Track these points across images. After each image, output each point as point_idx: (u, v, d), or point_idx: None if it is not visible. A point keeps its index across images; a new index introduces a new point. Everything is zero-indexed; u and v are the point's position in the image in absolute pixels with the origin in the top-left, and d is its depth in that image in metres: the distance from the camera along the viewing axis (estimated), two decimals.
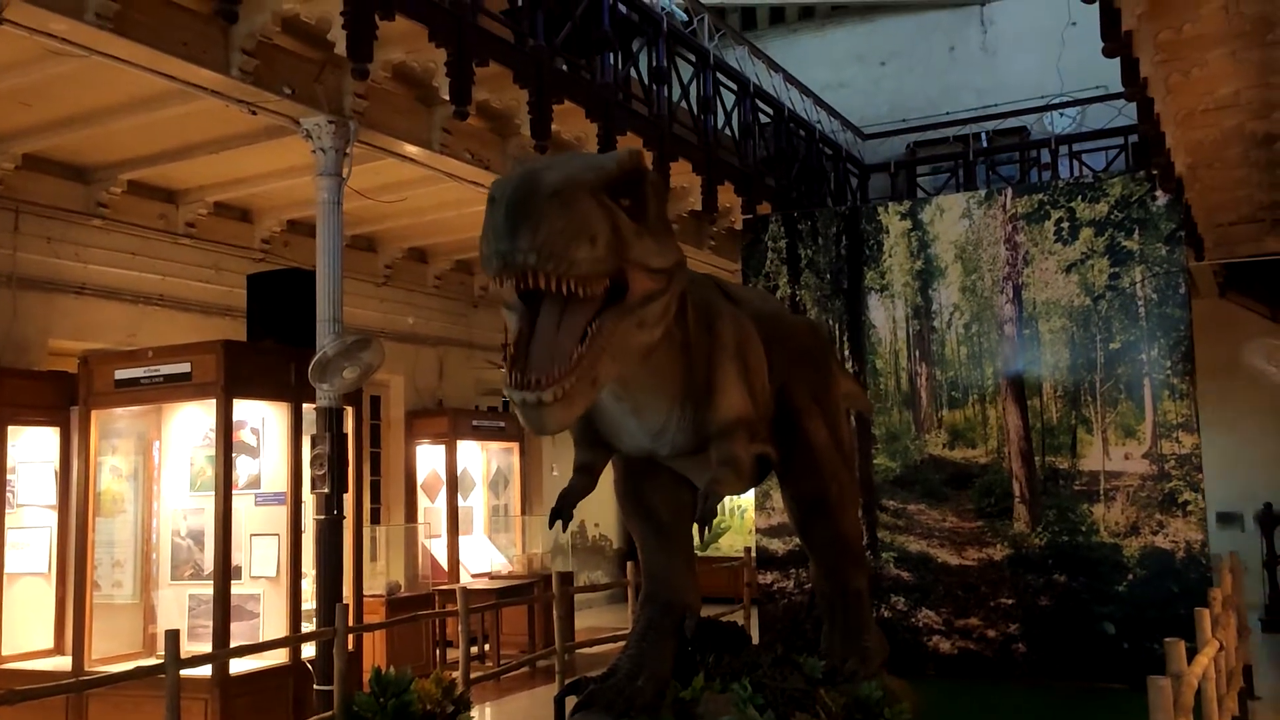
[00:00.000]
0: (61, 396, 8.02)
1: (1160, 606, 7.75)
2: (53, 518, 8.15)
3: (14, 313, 8.76)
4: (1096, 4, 5.86)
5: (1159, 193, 8.29)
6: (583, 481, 3.91)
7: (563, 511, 3.77)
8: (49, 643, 8.07)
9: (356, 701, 4.39)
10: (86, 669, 7.36)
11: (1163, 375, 8.19)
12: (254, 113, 7.27)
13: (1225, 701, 5.42)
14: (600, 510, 15.01)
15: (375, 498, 12.36)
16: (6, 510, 7.99)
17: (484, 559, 12.37)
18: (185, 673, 6.09)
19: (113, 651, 7.73)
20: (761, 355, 4.08)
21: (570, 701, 4.21)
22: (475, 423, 12.73)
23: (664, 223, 3.09)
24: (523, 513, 13.29)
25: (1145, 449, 8.21)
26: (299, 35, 7.26)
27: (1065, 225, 8.69)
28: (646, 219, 2.88)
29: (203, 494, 7.63)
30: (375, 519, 12.17)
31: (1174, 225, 8.34)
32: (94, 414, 7.72)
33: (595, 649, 9.27)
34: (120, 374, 7.58)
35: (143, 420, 8.01)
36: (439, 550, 12.03)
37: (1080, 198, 8.67)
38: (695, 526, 4.53)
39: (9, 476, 8.04)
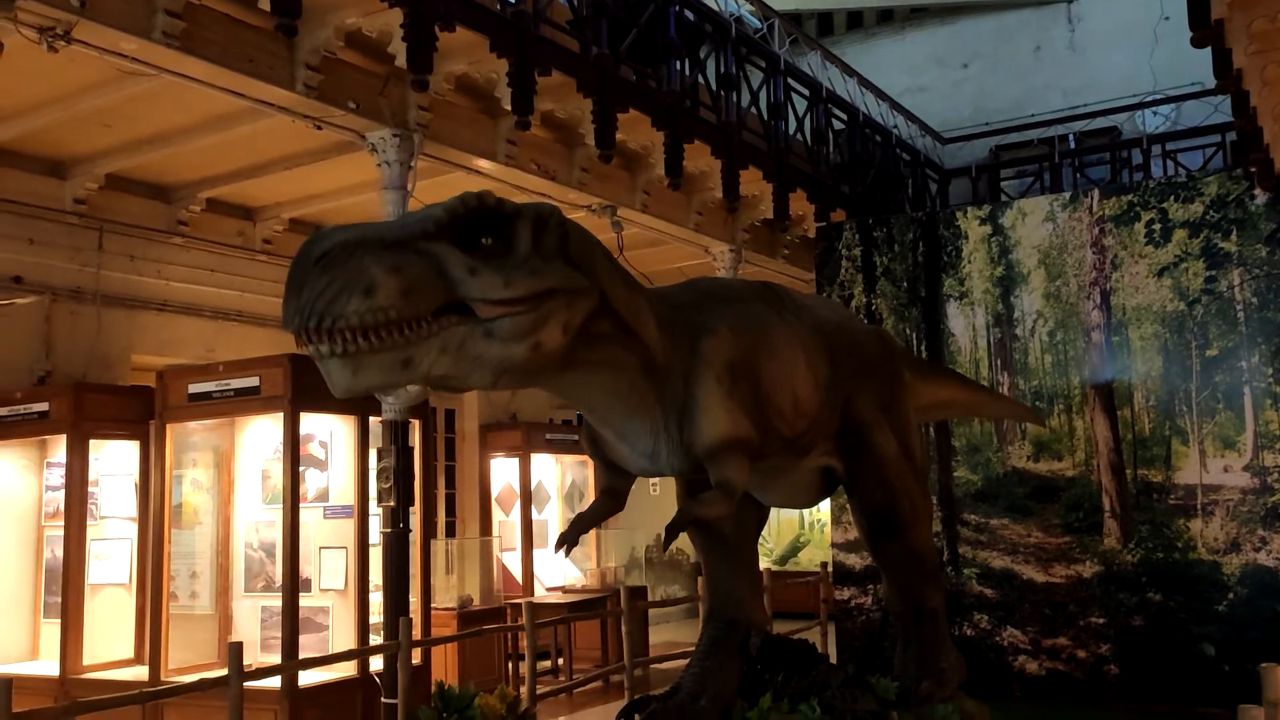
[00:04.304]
0: (141, 410, 8.17)
1: (1263, 627, 7.32)
2: (133, 529, 8.31)
3: (98, 329, 9.00)
4: None
5: (1258, 191, 7.87)
6: (605, 504, 3.90)
7: (569, 537, 3.70)
8: (129, 653, 8.21)
9: (419, 717, 4.31)
10: (163, 679, 7.46)
11: (1264, 383, 7.76)
12: (319, 127, 7.32)
13: None
14: None
15: (450, 511, 12.40)
16: (89, 522, 8.17)
17: (558, 572, 12.31)
18: (256, 684, 6.14)
19: (189, 661, 7.82)
20: (790, 368, 3.89)
21: None
22: (549, 436, 12.70)
23: (553, 251, 3.01)
24: (598, 526, 13.18)
25: (1246, 461, 7.79)
26: (362, 49, 7.29)
27: (1157, 227, 8.30)
28: (514, 251, 2.92)
29: (274, 506, 7.69)
30: (450, 532, 12.20)
31: (1274, 225, 7.90)
32: (169, 428, 7.84)
33: (669, 664, 9.13)
34: (193, 388, 7.69)
35: (217, 433, 8.12)
36: (513, 563, 12.00)
37: (1173, 198, 8.27)
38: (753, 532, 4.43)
39: (92, 489, 8.22)
